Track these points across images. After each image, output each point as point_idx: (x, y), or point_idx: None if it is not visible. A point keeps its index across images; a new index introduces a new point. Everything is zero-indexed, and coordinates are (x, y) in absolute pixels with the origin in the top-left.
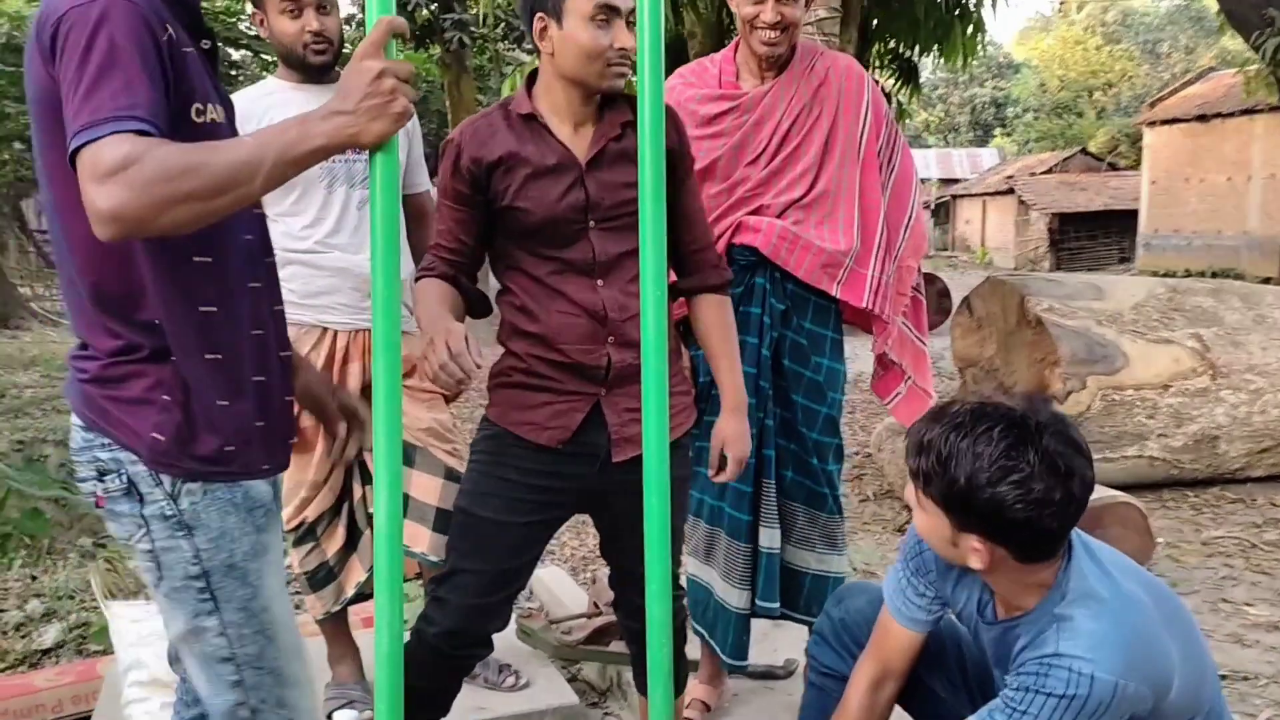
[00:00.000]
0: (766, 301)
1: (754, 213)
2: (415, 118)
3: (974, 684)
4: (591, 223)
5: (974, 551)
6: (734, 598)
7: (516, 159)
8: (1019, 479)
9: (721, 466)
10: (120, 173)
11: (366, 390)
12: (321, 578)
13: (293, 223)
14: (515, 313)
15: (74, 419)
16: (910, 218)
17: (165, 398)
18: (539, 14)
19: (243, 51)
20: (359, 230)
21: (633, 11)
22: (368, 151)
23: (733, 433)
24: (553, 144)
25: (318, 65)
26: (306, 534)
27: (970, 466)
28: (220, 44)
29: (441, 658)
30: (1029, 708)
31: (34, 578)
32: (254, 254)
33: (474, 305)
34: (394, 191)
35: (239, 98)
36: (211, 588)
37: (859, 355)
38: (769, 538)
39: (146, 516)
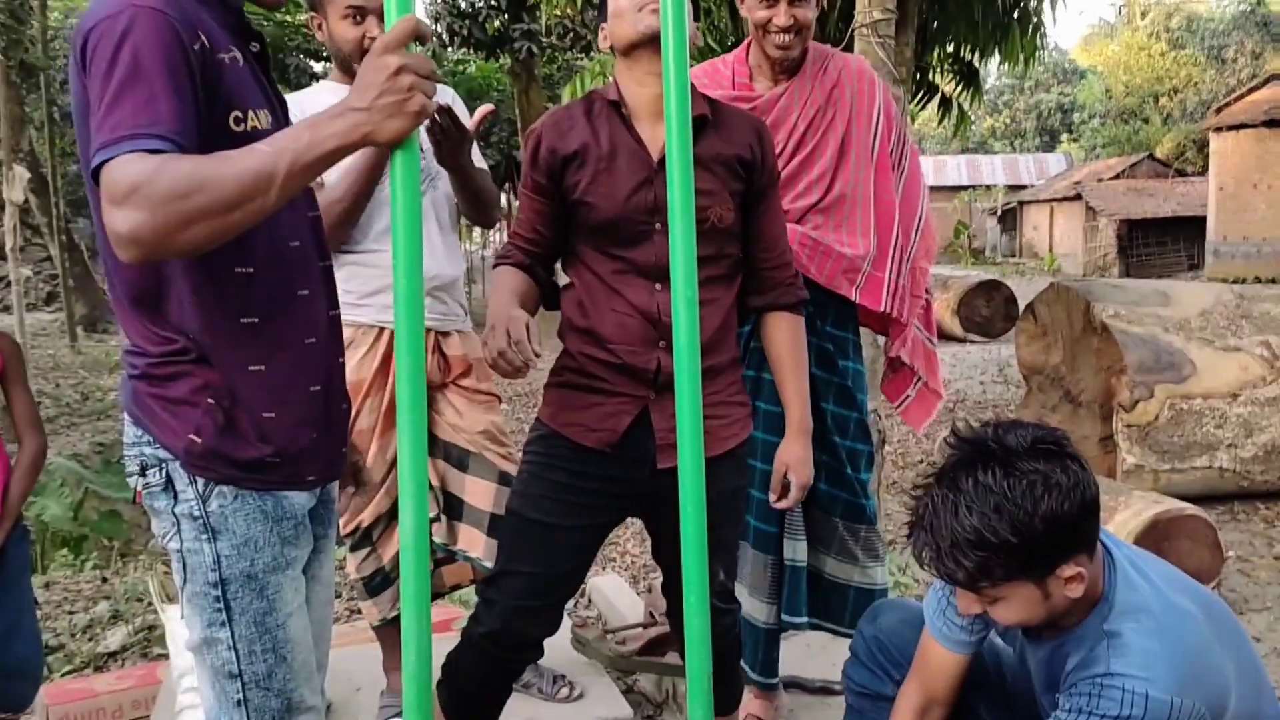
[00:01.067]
0: None
1: None
2: (464, 110)
3: (1020, 711)
4: (658, 225)
5: (1072, 582)
6: (761, 613)
7: (590, 153)
8: (1040, 485)
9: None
10: (133, 195)
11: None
12: (378, 584)
13: None
14: (574, 309)
15: (125, 414)
16: (920, 219)
17: (210, 401)
18: (599, 27)
19: (324, 63)
20: None
21: None
22: (423, 151)
23: (796, 457)
24: (627, 139)
25: None
26: (362, 539)
27: (1005, 518)
28: (302, 55)
29: (487, 659)
30: None
31: (104, 579)
32: (304, 260)
33: (548, 296)
34: (415, 189)
35: (292, 100)
36: (227, 597)
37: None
38: (793, 550)
39: (178, 515)
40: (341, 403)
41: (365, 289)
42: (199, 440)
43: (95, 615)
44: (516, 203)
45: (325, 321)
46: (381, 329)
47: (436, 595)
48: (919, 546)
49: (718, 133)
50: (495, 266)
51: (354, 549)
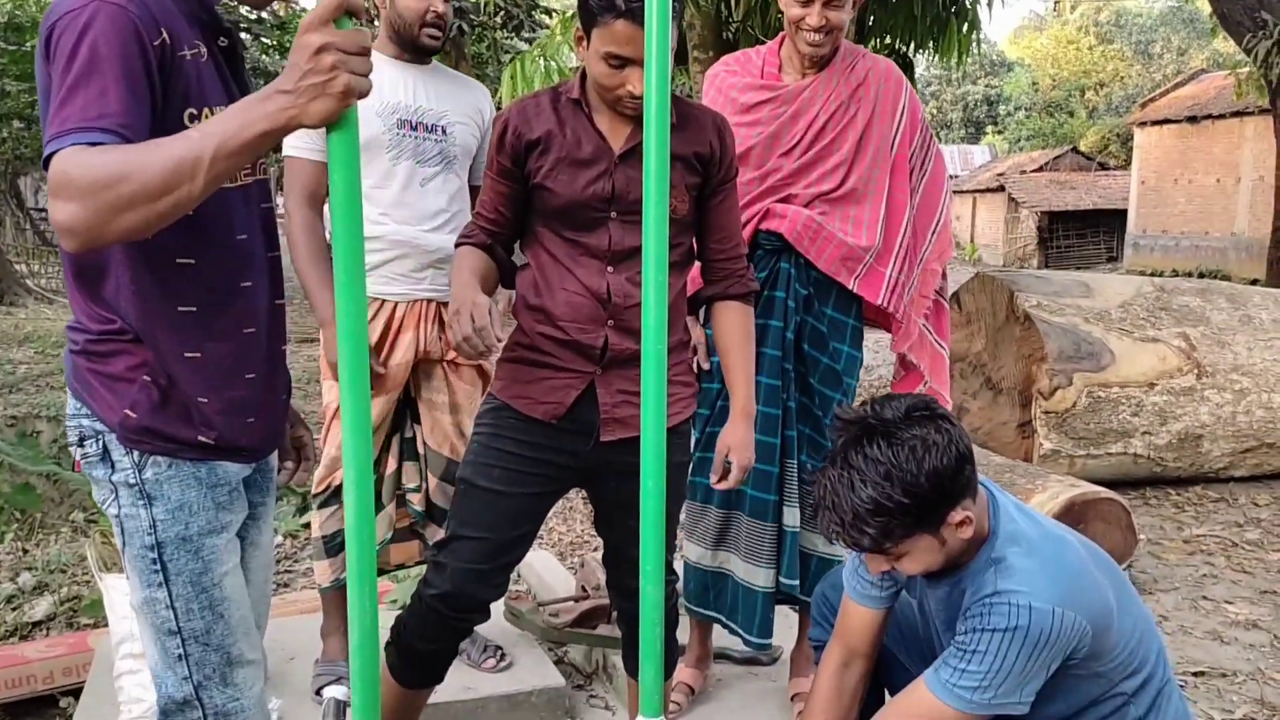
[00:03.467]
0: (791, 286)
1: (782, 201)
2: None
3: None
4: (614, 213)
5: (963, 526)
6: (760, 578)
7: (554, 141)
8: (920, 447)
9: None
10: (67, 186)
11: (422, 361)
12: (339, 544)
13: None
14: (528, 288)
15: (68, 387)
16: (938, 222)
17: (146, 378)
18: (580, 25)
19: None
20: (419, 204)
21: None
22: (438, 129)
23: (739, 440)
24: (590, 132)
25: (428, 48)
26: (331, 497)
27: (895, 483)
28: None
29: (437, 619)
30: (978, 646)
31: (25, 551)
32: (249, 254)
33: (506, 275)
34: (354, 174)
35: None
36: (164, 559)
37: (876, 351)
38: (792, 517)
39: (115, 483)
40: (281, 385)
41: (371, 261)
42: (134, 416)
43: (20, 585)
44: None
45: (267, 311)
46: (383, 301)
47: (381, 571)
48: (826, 524)
49: (679, 131)
50: (457, 246)
51: (322, 506)
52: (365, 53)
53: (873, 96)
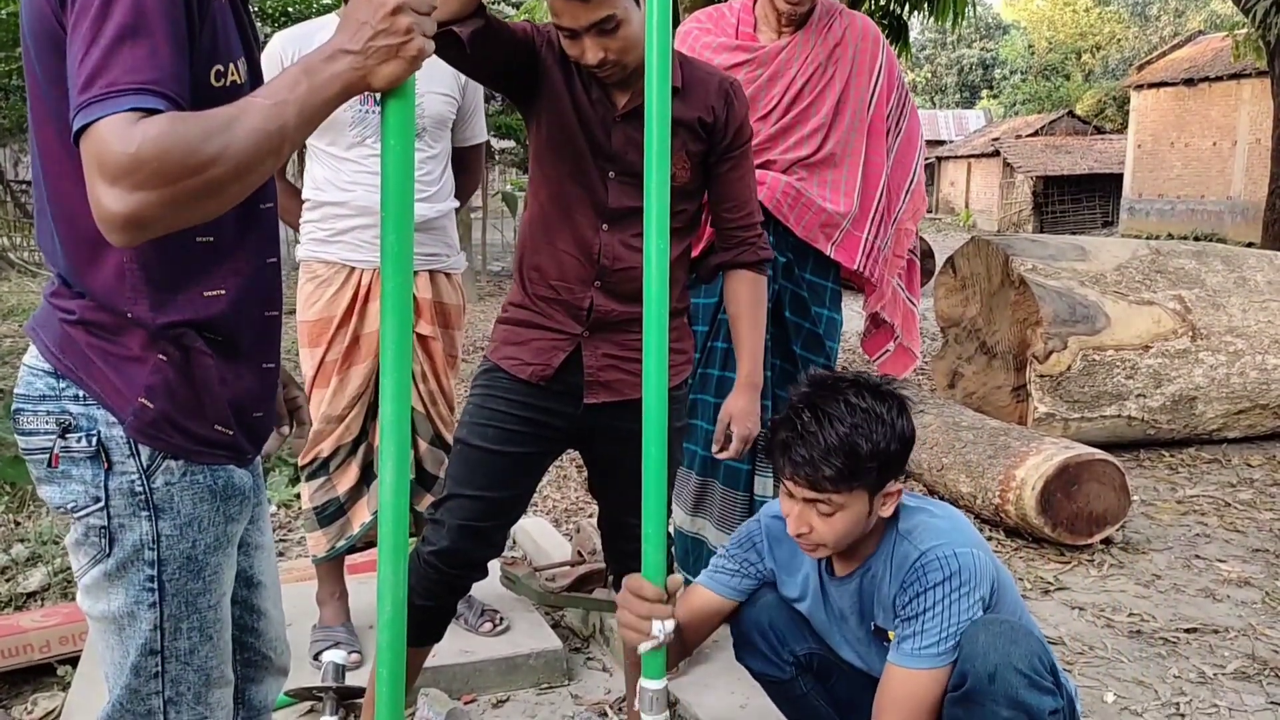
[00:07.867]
0: None
1: (760, 167)
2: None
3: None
4: (612, 173)
5: (890, 499)
6: None
7: (570, 72)
8: (897, 409)
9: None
10: (140, 169)
11: None
12: (331, 514)
13: (321, 168)
14: (525, 245)
15: (35, 359)
16: (912, 181)
17: (161, 357)
18: None
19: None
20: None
21: (594, 25)
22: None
23: (741, 410)
24: (594, 84)
25: None
26: (319, 469)
27: (875, 428)
28: None
29: (435, 574)
30: (925, 605)
31: (17, 523)
32: (274, 224)
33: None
34: (409, 141)
35: (302, 31)
36: (162, 578)
37: (848, 314)
38: (763, 486)
39: (110, 488)
40: (275, 382)
41: (335, 228)
42: (151, 405)
43: (13, 556)
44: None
45: (280, 295)
46: (351, 268)
47: (369, 544)
48: (788, 454)
49: (683, 96)
50: None
51: (310, 478)
52: (433, 10)
53: (850, 56)
